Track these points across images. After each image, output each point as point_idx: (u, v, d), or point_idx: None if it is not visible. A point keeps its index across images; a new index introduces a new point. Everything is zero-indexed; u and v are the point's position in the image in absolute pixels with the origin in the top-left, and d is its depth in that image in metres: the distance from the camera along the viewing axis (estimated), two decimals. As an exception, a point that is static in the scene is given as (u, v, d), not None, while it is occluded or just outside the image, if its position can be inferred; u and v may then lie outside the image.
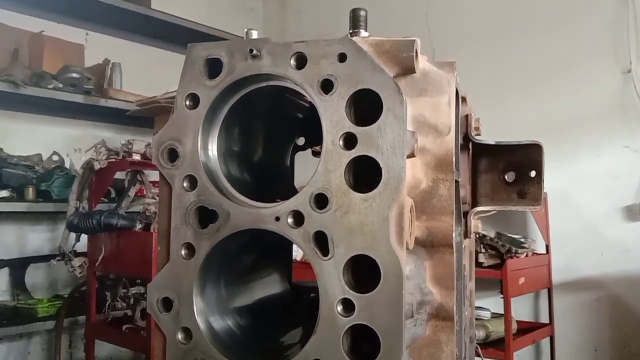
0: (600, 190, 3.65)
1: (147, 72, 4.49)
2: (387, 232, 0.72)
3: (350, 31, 0.81)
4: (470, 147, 1.22)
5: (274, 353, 0.84)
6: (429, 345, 0.82)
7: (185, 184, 0.81)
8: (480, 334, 3.53)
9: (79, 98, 3.79)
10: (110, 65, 4.16)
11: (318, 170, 0.75)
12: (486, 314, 3.68)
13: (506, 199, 1.20)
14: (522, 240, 3.63)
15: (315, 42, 0.77)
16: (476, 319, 3.72)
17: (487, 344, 3.43)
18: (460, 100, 0.92)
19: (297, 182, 1.10)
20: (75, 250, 3.46)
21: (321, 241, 0.75)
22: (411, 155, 0.74)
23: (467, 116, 1.15)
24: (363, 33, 0.83)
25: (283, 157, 1.06)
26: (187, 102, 0.82)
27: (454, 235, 0.84)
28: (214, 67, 0.82)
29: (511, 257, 3.44)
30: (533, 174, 1.16)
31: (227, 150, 0.87)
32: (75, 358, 4.45)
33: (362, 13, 0.82)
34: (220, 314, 0.84)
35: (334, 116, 0.75)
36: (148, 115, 3.74)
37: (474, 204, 1.24)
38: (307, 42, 0.78)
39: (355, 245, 0.73)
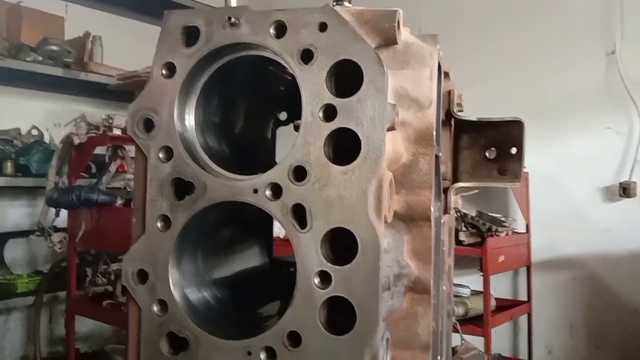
0: (582, 170, 3.69)
1: (128, 45, 4.40)
2: (365, 206, 0.71)
3: (334, 2, 0.79)
4: (452, 123, 1.21)
5: (250, 324, 0.84)
6: (406, 318, 0.82)
7: (161, 155, 0.79)
8: (460, 310, 3.58)
9: (58, 71, 3.71)
10: (90, 39, 4.07)
11: (297, 142, 0.74)
12: (466, 291, 3.73)
13: (486, 175, 1.20)
14: (503, 219, 3.67)
15: (295, 10, 0.75)
16: (456, 296, 3.79)
17: (466, 320, 3.48)
18: (442, 74, 0.91)
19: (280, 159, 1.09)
20: (55, 226, 3.42)
21: (299, 214, 0.74)
22: (391, 128, 0.73)
23: (449, 92, 1.14)
24: (347, 4, 0.81)
25: (264, 130, 1.05)
26: (164, 71, 0.80)
27: (432, 209, 0.84)
28: (191, 36, 0.80)
29: (491, 236, 3.48)
30: (514, 150, 1.16)
31: (205, 121, 0.85)
32: (55, 333, 4.43)
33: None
34: (197, 286, 0.83)
35: (313, 87, 0.74)
36: (129, 90, 3.67)
37: (455, 180, 1.24)
38: (287, 10, 0.76)
39: (333, 218, 0.73)
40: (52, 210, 3.36)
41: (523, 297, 3.91)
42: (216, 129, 0.89)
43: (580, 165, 3.69)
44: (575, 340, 3.75)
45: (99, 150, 3.61)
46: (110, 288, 3.62)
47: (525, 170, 4.12)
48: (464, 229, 3.62)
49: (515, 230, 3.74)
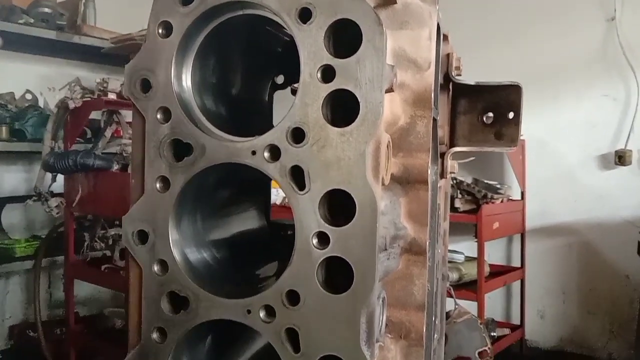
0: (578, 138, 3.70)
1: (122, 8, 4.33)
2: (363, 167, 0.71)
3: None
4: (450, 87, 1.21)
5: (249, 284, 0.85)
6: (402, 279, 0.84)
7: (158, 116, 0.79)
8: (454, 276, 3.64)
9: (51, 34, 3.66)
10: (83, 1, 4.00)
11: (295, 103, 0.74)
12: (460, 257, 3.78)
13: (483, 140, 1.20)
14: (498, 186, 3.69)
15: (293, -32, 0.74)
16: (450, 262, 3.84)
17: (460, 285, 3.54)
18: (441, 36, 0.90)
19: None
20: (52, 191, 3.43)
21: (297, 175, 0.74)
22: (390, 90, 0.73)
23: (448, 55, 1.13)
24: None
25: (261, 92, 1.04)
26: (160, 31, 0.79)
27: (429, 172, 0.84)
28: (187, -6, 0.78)
29: (487, 203, 3.50)
30: (511, 115, 1.16)
31: (202, 81, 0.84)
32: (54, 297, 4.48)
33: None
34: (196, 246, 0.84)
35: (312, 47, 0.73)
36: (123, 53, 3.63)
37: (452, 144, 1.24)
38: (285, -32, 0.75)
39: (331, 179, 0.73)
40: (49, 175, 3.36)
41: (517, 263, 3.96)
42: (213, 90, 0.88)
43: (577, 133, 3.69)
44: (568, 305, 3.82)
45: (94, 115, 3.59)
46: (108, 252, 3.65)
47: (521, 137, 4.12)
48: (459, 195, 3.64)
49: (510, 198, 3.77)
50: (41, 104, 3.78)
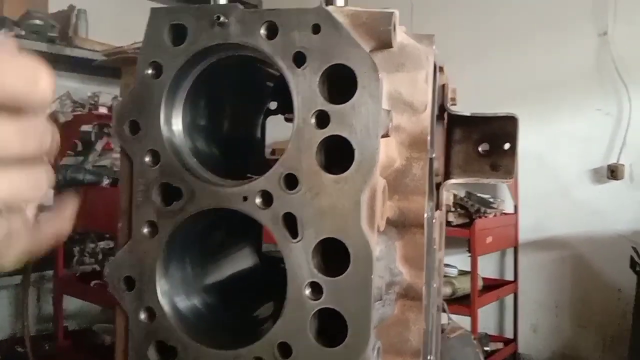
0: (571, 152, 3.71)
1: (114, 19, 4.30)
2: (358, 216, 0.69)
3: (326, 2, 0.76)
4: (446, 117, 1.19)
5: (242, 330, 0.83)
6: (397, 324, 0.82)
7: (147, 159, 0.76)
8: (447, 290, 3.63)
9: (42, 46, 3.63)
10: (75, 12, 3.98)
11: (288, 149, 0.72)
12: (453, 271, 3.77)
13: (479, 170, 1.18)
14: (491, 200, 3.69)
15: (287, 10, 0.72)
16: (444, 276, 3.82)
17: (453, 300, 3.53)
18: (437, 72, 0.88)
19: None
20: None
21: (290, 223, 0.72)
22: (385, 135, 0.71)
23: (443, 86, 1.11)
24: (339, 2, 0.78)
25: (253, 129, 1.02)
26: (150, 71, 0.76)
27: (425, 214, 0.82)
28: (178, 34, 0.76)
29: (480, 217, 3.50)
30: (507, 146, 1.15)
31: (193, 123, 0.82)
32: (43, 311, 4.43)
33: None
34: (186, 293, 0.81)
35: (306, 92, 0.71)
36: (115, 66, 3.60)
37: (447, 174, 1.22)
38: (278, 10, 0.73)
39: (325, 228, 0.71)
40: (38, 190, 3.32)
41: (510, 276, 3.96)
42: (204, 131, 0.86)
43: (569, 147, 3.70)
44: (560, 319, 3.82)
45: (86, 126, 3.56)
46: (97, 267, 3.61)
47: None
48: (452, 209, 3.64)
49: (503, 211, 3.77)
50: (31, 116, 3.74)
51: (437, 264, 1.24)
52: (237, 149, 0.96)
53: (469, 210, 3.56)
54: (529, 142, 3.69)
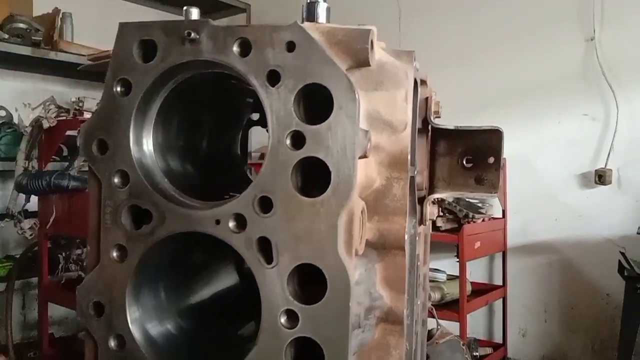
0: (558, 156, 3.70)
1: (100, 23, 4.24)
2: (335, 241, 0.67)
3: (305, 18, 0.74)
4: (430, 129, 1.17)
5: (215, 357, 0.80)
6: (377, 349, 0.79)
7: (116, 180, 0.73)
8: (436, 295, 3.61)
9: (26, 50, 3.57)
10: (60, 15, 3.92)
11: (263, 171, 0.69)
12: (442, 276, 3.75)
13: (463, 184, 1.16)
14: (480, 205, 3.67)
15: (260, 27, 0.69)
16: (432, 281, 3.81)
17: (442, 305, 3.50)
18: (418, 88, 0.86)
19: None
20: (27, 210, 3.33)
21: (265, 248, 0.69)
22: (364, 156, 0.69)
23: (427, 99, 1.09)
24: (321, 17, 0.76)
25: (232, 145, 0.99)
26: (118, 88, 0.73)
27: (406, 233, 0.80)
28: (148, 50, 0.73)
29: (468, 222, 3.48)
30: (491, 160, 1.13)
31: (166, 141, 0.79)
32: (29, 319, 4.37)
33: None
34: (159, 318, 0.78)
35: (280, 112, 0.68)
36: (101, 70, 3.55)
37: (431, 187, 1.20)
38: (251, 26, 0.70)
39: (301, 253, 0.68)
40: (22, 196, 3.27)
41: (498, 281, 3.94)
42: (179, 149, 0.83)
43: (557, 152, 3.69)
44: (549, 323, 3.81)
45: (71, 132, 3.51)
46: (83, 274, 3.56)
47: (503, 155, 4.04)
48: (440, 214, 3.62)
49: (492, 216, 3.75)
50: (15, 120, 3.68)
51: (421, 280, 1.22)
52: (215, 166, 0.93)
53: (458, 216, 3.55)
54: (516, 147, 3.69)
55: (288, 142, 0.68)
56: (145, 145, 0.75)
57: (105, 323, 0.74)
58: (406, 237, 0.77)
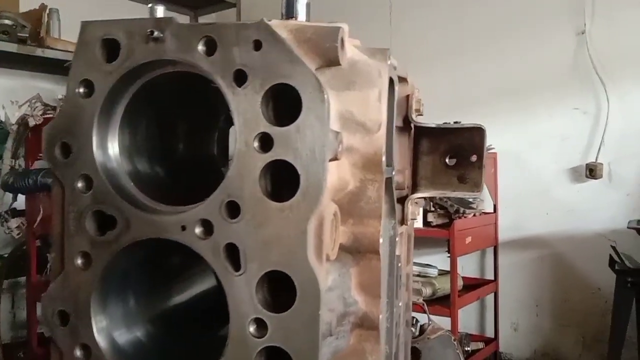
0: (549, 150, 3.69)
1: (87, 19, 4.18)
2: (304, 247, 0.64)
3: (283, 16, 0.71)
4: (412, 127, 1.15)
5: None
6: (353, 355, 0.77)
7: (79, 185, 0.71)
8: (427, 291, 3.60)
9: (12, 47, 3.52)
10: (47, 11, 3.86)
11: (229, 174, 0.67)
12: (433, 272, 3.74)
13: (446, 183, 1.14)
14: (471, 200, 3.66)
15: (226, 25, 0.67)
16: (424, 276, 3.79)
17: (434, 300, 3.50)
18: (395, 87, 0.83)
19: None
20: (15, 208, 3.30)
21: (232, 255, 0.67)
22: (334, 159, 0.66)
23: (407, 97, 1.06)
24: (300, 15, 0.73)
25: (207, 145, 0.96)
26: (81, 90, 0.71)
27: (382, 235, 0.77)
28: (112, 50, 0.71)
29: (459, 217, 3.47)
30: (474, 158, 1.10)
31: (133, 143, 0.76)
32: (18, 318, 4.34)
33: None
34: (127, 326, 0.76)
35: (247, 113, 0.66)
36: (87, 67, 3.50)
37: (414, 186, 1.18)
38: (217, 24, 0.67)
39: (270, 259, 0.66)
40: (9, 195, 3.24)
41: (490, 275, 3.94)
42: (149, 151, 0.80)
43: (548, 146, 3.68)
44: (541, 318, 3.81)
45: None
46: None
47: (493, 149, 4.08)
48: (432, 209, 3.61)
49: (483, 211, 3.74)
50: (2, 117, 3.64)
51: (404, 280, 1.20)
52: (189, 168, 0.91)
53: (449, 211, 3.53)
54: (507, 142, 3.68)
55: (256, 144, 0.66)
56: (110, 148, 0.73)
57: (70, 332, 0.72)
58: (381, 240, 0.75)
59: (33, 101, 3.41)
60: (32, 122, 3.19)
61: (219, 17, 4.92)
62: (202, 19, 4.85)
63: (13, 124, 3.26)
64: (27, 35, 3.71)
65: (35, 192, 2.99)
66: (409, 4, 4.03)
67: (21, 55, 3.54)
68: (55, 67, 3.90)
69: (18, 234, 3.29)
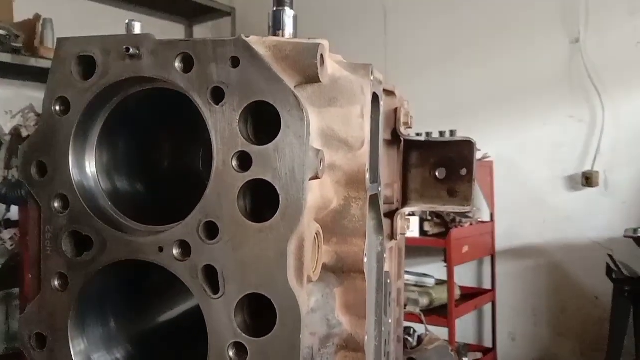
0: (545, 158, 3.68)
1: (81, 29, 4.17)
2: (284, 269, 0.63)
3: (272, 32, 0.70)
4: (402, 140, 1.13)
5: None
6: (338, 377, 0.75)
7: (56, 205, 0.69)
8: (424, 301, 3.58)
9: (6, 57, 3.51)
10: (41, 22, 3.86)
11: (207, 194, 0.65)
12: (430, 281, 3.72)
13: (436, 196, 1.12)
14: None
15: (203, 41, 0.65)
16: (421, 286, 3.77)
17: (431, 310, 3.48)
18: (380, 102, 0.82)
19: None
20: (8, 219, 3.28)
21: (211, 277, 0.65)
22: (315, 178, 0.65)
23: (395, 110, 1.05)
24: (288, 29, 0.72)
25: (192, 161, 0.94)
26: (57, 108, 0.69)
27: (366, 254, 0.76)
28: (88, 67, 0.69)
29: (456, 226, 3.45)
30: (464, 172, 1.09)
31: (112, 162, 0.75)
32: (13, 329, 4.31)
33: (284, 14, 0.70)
34: (107, 348, 0.74)
35: (225, 131, 0.64)
36: (80, 78, 3.49)
37: (405, 200, 1.16)
38: (194, 40, 0.66)
39: (249, 282, 0.64)
40: (2, 206, 3.22)
41: (487, 285, 3.92)
42: (129, 169, 0.79)
43: (544, 154, 3.68)
44: (538, 327, 3.79)
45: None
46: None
47: (489, 158, 4.08)
48: (428, 218, 3.59)
49: (479, 220, 3.73)
50: (-4, 128, 3.62)
51: (394, 295, 1.18)
52: (172, 185, 0.89)
53: (445, 220, 3.52)
54: (503, 150, 3.67)
55: (234, 163, 0.64)
56: (87, 167, 0.71)
57: (47, 356, 0.70)
58: (365, 259, 0.74)
59: (26, 111, 3.40)
60: (25, 133, 3.18)
61: (214, 27, 4.92)
62: (197, 29, 4.85)
63: (6, 134, 3.25)
64: (21, 45, 3.70)
65: (27, 203, 2.96)
66: (404, 12, 4.03)
67: (15, 65, 3.54)
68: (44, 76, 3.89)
69: (11, 245, 3.27)
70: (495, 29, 3.76)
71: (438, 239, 3.47)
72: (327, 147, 0.70)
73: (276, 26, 0.75)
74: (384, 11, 4.12)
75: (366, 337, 0.74)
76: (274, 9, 0.76)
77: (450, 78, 3.88)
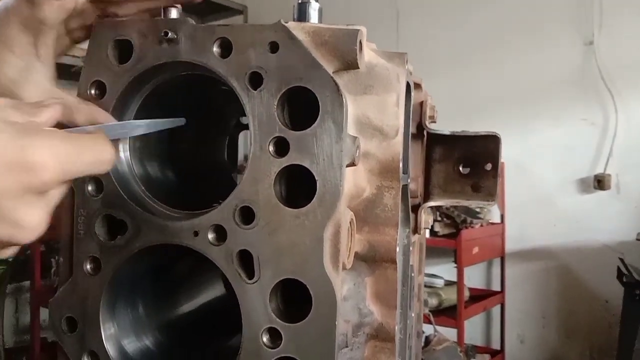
0: (556, 161, 3.67)
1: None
2: (320, 255, 0.63)
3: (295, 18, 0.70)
4: (425, 134, 1.13)
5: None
6: (368, 367, 0.75)
7: (90, 188, 0.69)
8: (433, 301, 3.57)
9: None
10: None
11: (244, 179, 0.65)
12: (440, 282, 3.72)
13: (460, 191, 1.12)
14: (478, 210, 3.64)
15: (242, 26, 0.65)
16: (430, 287, 3.75)
17: (440, 311, 3.47)
18: (412, 92, 0.82)
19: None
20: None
21: (246, 261, 0.65)
22: (352, 164, 0.65)
23: (421, 103, 1.05)
24: (312, 17, 0.72)
25: (216, 151, 0.95)
26: (92, 91, 0.69)
27: (398, 244, 0.75)
28: (125, 50, 0.69)
29: (466, 227, 3.45)
30: (489, 166, 1.08)
31: (145, 147, 0.75)
32: (22, 323, 4.34)
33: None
34: (136, 334, 0.74)
35: (263, 117, 0.64)
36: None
37: (427, 194, 1.16)
38: (233, 25, 0.66)
39: (284, 267, 0.64)
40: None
41: (496, 286, 3.91)
42: (159, 154, 0.79)
43: (555, 156, 3.67)
44: (547, 330, 3.77)
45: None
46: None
47: (501, 160, 4.01)
48: (439, 218, 3.59)
49: (490, 221, 3.72)
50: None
51: (416, 290, 1.18)
52: (199, 173, 0.89)
53: (455, 221, 3.51)
54: (514, 152, 3.66)
55: (271, 148, 0.64)
56: (121, 151, 0.71)
57: (78, 339, 0.70)
58: (397, 248, 0.73)
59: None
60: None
61: (225, 24, 4.93)
62: (209, 26, 4.86)
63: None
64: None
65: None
66: (416, 11, 4.03)
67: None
68: (62, 73, 3.90)
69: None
70: (507, 30, 3.76)
71: (448, 240, 3.46)
72: (361, 134, 0.69)
73: (301, 18, 0.75)
74: (397, 12, 4.12)
75: (398, 326, 0.74)
76: (299, 1, 0.76)
77: (462, 79, 3.87)
